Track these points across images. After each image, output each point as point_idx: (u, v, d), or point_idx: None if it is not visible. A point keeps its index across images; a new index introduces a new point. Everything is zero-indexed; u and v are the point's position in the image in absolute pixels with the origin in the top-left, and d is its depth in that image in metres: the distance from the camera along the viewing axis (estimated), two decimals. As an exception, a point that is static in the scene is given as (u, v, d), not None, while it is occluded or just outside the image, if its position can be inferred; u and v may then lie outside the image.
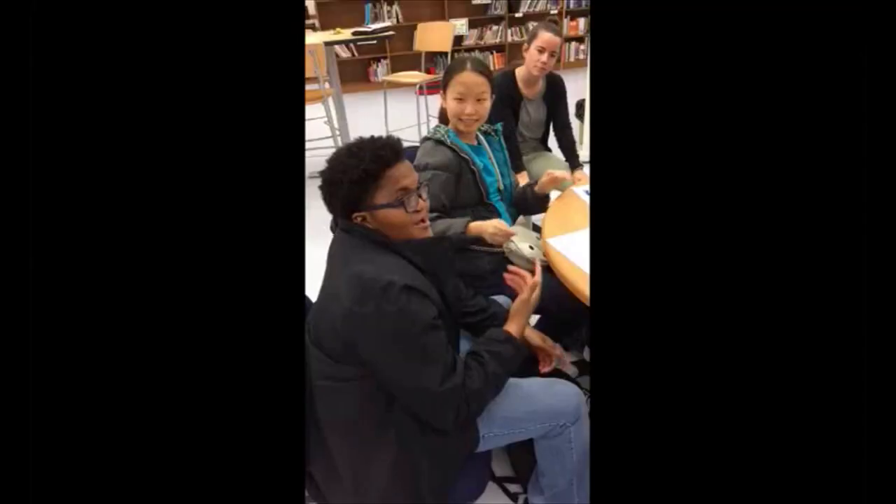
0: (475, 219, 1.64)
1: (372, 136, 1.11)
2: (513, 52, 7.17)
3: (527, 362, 1.42)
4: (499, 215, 1.70)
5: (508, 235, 1.54)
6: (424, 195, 1.13)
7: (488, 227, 1.54)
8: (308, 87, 4.13)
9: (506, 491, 1.55)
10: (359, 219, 1.09)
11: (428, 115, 4.53)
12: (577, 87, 3.74)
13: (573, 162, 2.53)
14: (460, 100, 1.58)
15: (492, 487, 1.57)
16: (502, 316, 1.31)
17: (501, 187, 1.74)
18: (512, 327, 1.17)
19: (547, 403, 1.17)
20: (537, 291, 1.21)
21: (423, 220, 1.12)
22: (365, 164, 1.04)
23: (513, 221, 1.76)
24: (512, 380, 1.21)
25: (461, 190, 1.62)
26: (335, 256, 1.10)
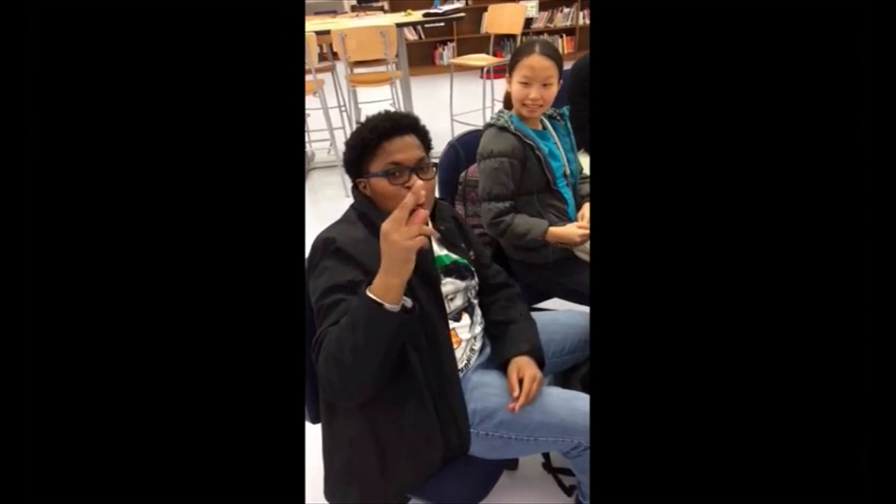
0: (541, 204, 1.62)
1: (385, 111, 1.18)
2: (584, 36, 6.99)
3: None
4: (565, 201, 1.66)
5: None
6: (426, 175, 1.13)
7: (573, 236, 1.52)
8: (377, 69, 4.18)
9: (560, 483, 1.53)
10: (361, 185, 1.19)
11: (493, 99, 4.48)
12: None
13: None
14: (525, 84, 1.53)
15: (546, 479, 1.56)
16: (514, 345, 1.21)
17: (567, 172, 1.68)
18: (377, 276, 0.95)
19: (559, 418, 1.11)
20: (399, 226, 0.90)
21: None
22: (364, 134, 1.13)
23: (578, 206, 1.71)
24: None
25: (526, 176, 1.59)
26: None
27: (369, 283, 0.95)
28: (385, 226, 0.90)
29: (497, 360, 1.23)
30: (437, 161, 1.76)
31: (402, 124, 1.14)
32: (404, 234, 0.89)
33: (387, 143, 1.12)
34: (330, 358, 0.94)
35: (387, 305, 0.92)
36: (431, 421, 1.08)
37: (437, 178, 1.20)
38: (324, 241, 1.08)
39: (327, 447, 1.15)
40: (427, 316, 1.09)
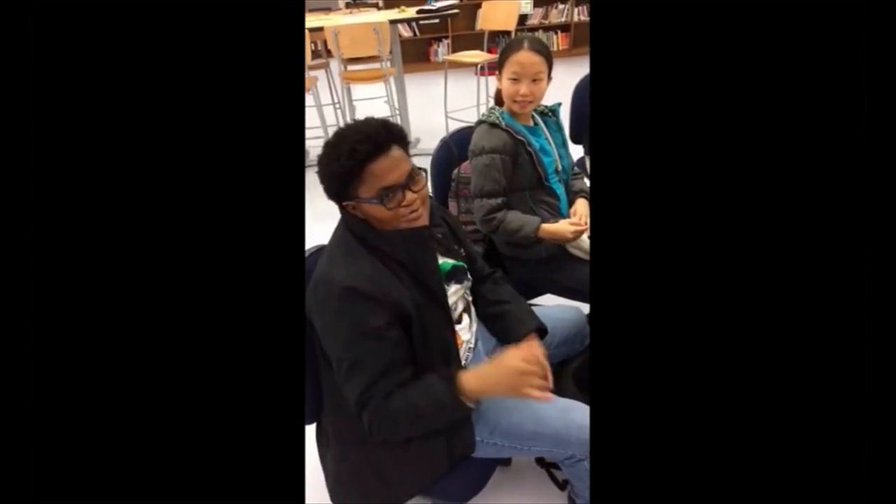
0: (533, 201, 1.62)
1: (356, 123, 1.05)
2: (578, 32, 6.98)
3: None
4: (557, 198, 1.66)
5: (584, 230, 1.53)
6: (417, 186, 1.06)
7: (565, 233, 1.52)
8: (370, 66, 4.16)
9: (553, 478, 1.54)
10: (349, 207, 1.07)
11: (487, 96, 4.46)
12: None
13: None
14: (515, 80, 1.53)
15: (539, 473, 1.57)
16: (524, 324, 1.23)
17: (559, 168, 1.68)
18: (468, 376, 1.01)
19: (554, 428, 1.09)
20: (527, 381, 0.97)
21: (413, 213, 1.06)
22: (343, 160, 1.00)
23: (570, 202, 1.72)
24: None
25: (518, 172, 1.59)
26: (329, 244, 1.13)
27: (397, 324, 1.01)
28: (517, 363, 0.96)
29: (509, 339, 1.23)
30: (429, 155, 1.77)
31: (382, 141, 1.01)
32: (529, 383, 0.96)
33: (372, 166, 1.00)
34: (401, 424, 0.99)
35: (469, 404, 1.00)
36: (440, 434, 1.09)
37: (428, 178, 1.16)
38: (333, 281, 1.01)
39: (334, 452, 1.16)
40: (439, 334, 1.09)
